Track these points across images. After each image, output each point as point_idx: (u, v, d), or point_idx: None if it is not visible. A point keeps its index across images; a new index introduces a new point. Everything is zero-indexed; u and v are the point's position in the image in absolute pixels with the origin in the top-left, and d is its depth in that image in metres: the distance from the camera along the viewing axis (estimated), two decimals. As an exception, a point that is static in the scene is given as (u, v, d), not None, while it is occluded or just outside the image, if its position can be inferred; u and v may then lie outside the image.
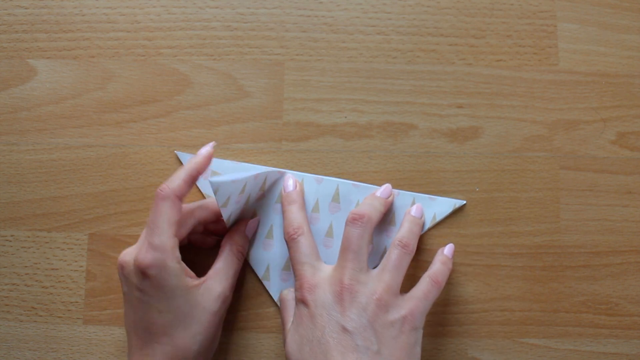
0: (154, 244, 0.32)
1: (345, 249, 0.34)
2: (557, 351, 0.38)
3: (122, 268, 0.33)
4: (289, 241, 0.35)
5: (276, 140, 0.40)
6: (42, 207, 0.40)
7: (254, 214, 0.39)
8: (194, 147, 0.40)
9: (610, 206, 0.39)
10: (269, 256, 0.39)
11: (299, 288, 0.34)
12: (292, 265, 0.35)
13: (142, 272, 0.32)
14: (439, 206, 0.39)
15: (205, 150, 0.36)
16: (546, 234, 0.39)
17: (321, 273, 0.34)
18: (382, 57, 0.41)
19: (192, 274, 0.34)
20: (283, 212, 0.37)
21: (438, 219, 0.39)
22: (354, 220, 0.34)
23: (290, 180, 0.38)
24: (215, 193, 0.33)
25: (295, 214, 0.36)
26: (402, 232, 0.36)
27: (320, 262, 0.35)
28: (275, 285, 0.38)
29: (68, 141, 0.41)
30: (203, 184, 0.39)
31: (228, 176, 0.34)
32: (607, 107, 0.40)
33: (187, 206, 0.36)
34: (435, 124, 0.40)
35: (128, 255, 0.33)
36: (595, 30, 0.41)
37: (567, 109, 0.40)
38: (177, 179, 0.34)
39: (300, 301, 0.33)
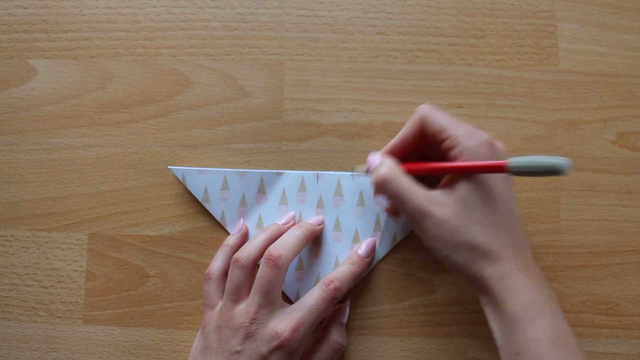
0: (299, 322, 0.33)
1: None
2: (557, 351, 0.38)
3: (250, 333, 0.33)
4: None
5: (276, 140, 0.40)
6: (42, 207, 0.40)
7: (259, 218, 0.39)
8: (193, 147, 0.40)
9: (610, 206, 0.39)
10: None
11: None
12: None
13: (283, 347, 0.32)
14: None
15: (319, 223, 0.38)
16: (546, 234, 0.39)
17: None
18: (382, 57, 0.41)
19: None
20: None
21: None
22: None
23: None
24: (183, 181, 0.37)
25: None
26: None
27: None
28: (291, 286, 0.39)
29: (68, 141, 0.41)
30: (213, 207, 0.39)
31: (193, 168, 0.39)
32: (607, 107, 0.40)
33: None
34: (435, 124, 0.40)
35: (256, 325, 0.33)
36: (595, 30, 0.41)
37: (567, 109, 0.40)
38: (290, 247, 0.34)
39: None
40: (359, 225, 0.39)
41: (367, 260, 0.37)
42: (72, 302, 0.39)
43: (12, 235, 0.40)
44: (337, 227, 0.39)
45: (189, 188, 0.39)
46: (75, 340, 0.39)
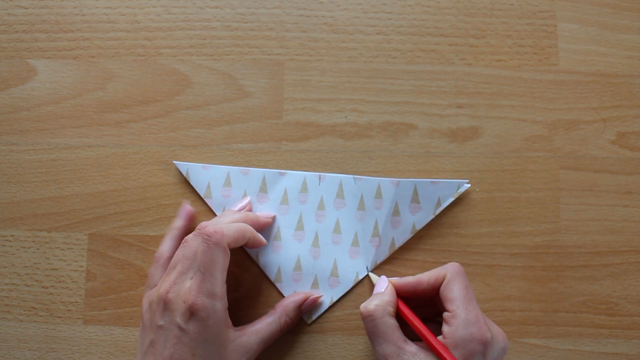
0: (208, 290, 0.32)
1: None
2: (557, 351, 0.38)
3: (167, 303, 0.32)
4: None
5: (276, 140, 0.40)
6: (42, 207, 0.40)
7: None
8: (193, 147, 0.40)
9: (610, 206, 0.39)
10: (278, 258, 0.39)
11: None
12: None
13: (193, 313, 0.31)
14: (442, 190, 0.39)
15: (267, 216, 0.39)
16: (546, 234, 0.39)
17: None
18: (382, 57, 0.41)
19: (230, 322, 0.34)
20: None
21: (443, 203, 0.39)
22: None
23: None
24: (187, 176, 0.39)
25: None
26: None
27: None
28: (288, 286, 0.39)
29: (68, 141, 0.41)
30: (214, 203, 0.39)
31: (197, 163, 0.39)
32: (607, 107, 0.40)
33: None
34: (435, 124, 0.40)
35: (172, 293, 0.32)
36: (595, 30, 0.41)
37: (567, 109, 0.40)
38: (232, 230, 0.33)
39: None
40: (358, 229, 0.38)
41: (261, 221, 0.38)
42: (72, 302, 0.39)
43: (12, 235, 0.40)
44: (337, 229, 0.39)
45: (191, 183, 0.39)
46: (75, 340, 0.39)
